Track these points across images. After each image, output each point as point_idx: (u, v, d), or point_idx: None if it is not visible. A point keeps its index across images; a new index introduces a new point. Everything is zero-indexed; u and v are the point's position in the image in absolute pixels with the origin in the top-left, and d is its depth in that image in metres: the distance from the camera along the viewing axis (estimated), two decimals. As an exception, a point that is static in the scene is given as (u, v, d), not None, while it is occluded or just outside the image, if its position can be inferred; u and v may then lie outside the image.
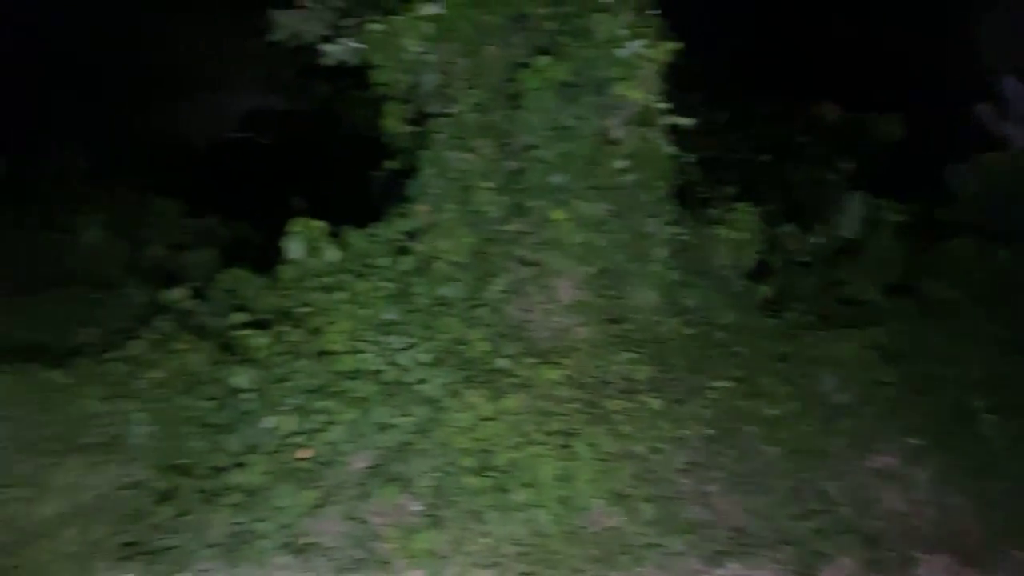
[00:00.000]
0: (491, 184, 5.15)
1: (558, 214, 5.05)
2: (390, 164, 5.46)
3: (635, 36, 4.91)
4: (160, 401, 4.58)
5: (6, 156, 8.77)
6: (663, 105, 5.13)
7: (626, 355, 5.00)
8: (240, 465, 4.24)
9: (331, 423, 4.43)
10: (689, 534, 4.21)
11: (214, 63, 11.07)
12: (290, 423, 4.39)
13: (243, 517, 4.05)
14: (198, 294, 5.57)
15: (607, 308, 5.20)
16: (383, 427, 4.49)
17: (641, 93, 4.95)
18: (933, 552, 4.30)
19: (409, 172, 5.49)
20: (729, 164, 8.36)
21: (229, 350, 4.83)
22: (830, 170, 8.27)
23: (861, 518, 4.40)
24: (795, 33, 10.69)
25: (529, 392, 4.69)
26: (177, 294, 5.53)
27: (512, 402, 4.59)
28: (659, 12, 5.17)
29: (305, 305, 5.06)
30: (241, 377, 4.56)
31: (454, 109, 5.17)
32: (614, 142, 5.14)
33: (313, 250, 5.30)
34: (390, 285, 5.13)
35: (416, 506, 4.30)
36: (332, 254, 5.31)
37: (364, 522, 4.17)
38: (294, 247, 5.26)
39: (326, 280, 5.18)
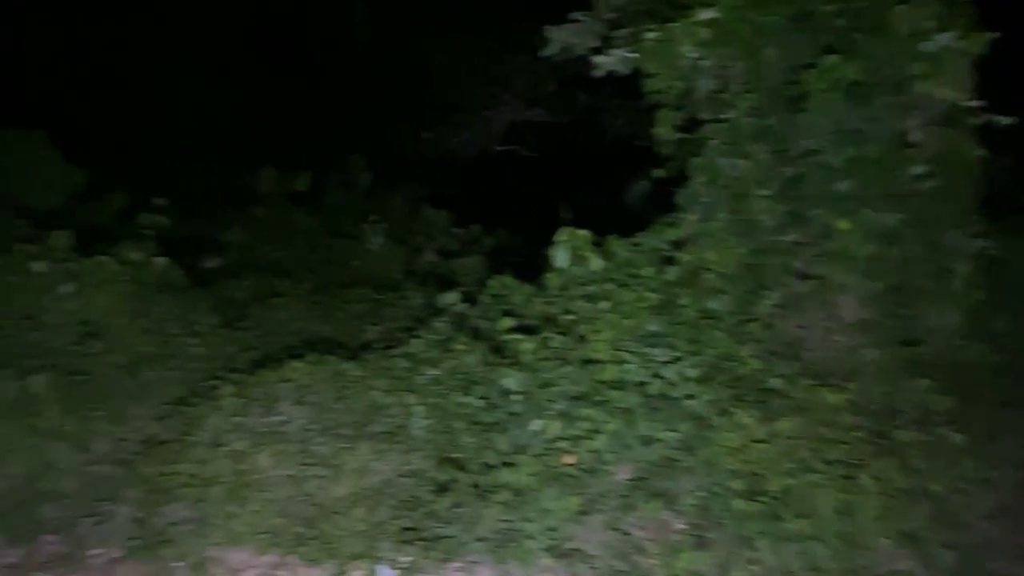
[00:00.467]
0: (766, 191, 4.87)
1: (843, 224, 4.65)
2: (658, 172, 5.37)
3: (944, 28, 4.39)
4: (437, 396, 4.86)
5: (311, 173, 9.89)
6: (975, 103, 4.54)
7: (921, 382, 4.48)
8: (509, 464, 4.36)
9: (595, 431, 4.42)
10: (998, 590, 3.67)
11: (483, 81, 11.74)
12: (555, 427, 4.45)
13: (511, 515, 4.15)
14: (469, 298, 5.87)
15: (898, 329, 4.70)
16: (647, 440, 4.40)
17: (949, 90, 4.41)
18: None
19: (676, 180, 5.38)
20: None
21: (499, 352, 5.02)
22: None
23: None
24: None
25: (806, 416, 4.36)
26: (450, 298, 5.87)
27: (786, 425, 4.29)
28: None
29: (570, 313, 5.13)
30: (510, 379, 4.71)
31: (729, 114, 4.97)
32: (912, 145, 4.63)
33: (578, 259, 5.36)
34: (654, 296, 5.04)
35: (680, 524, 4.18)
36: (596, 263, 5.33)
37: (627, 534, 4.12)
38: (560, 255, 5.35)
39: (590, 289, 5.21)
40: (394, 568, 4.06)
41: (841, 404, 4.41)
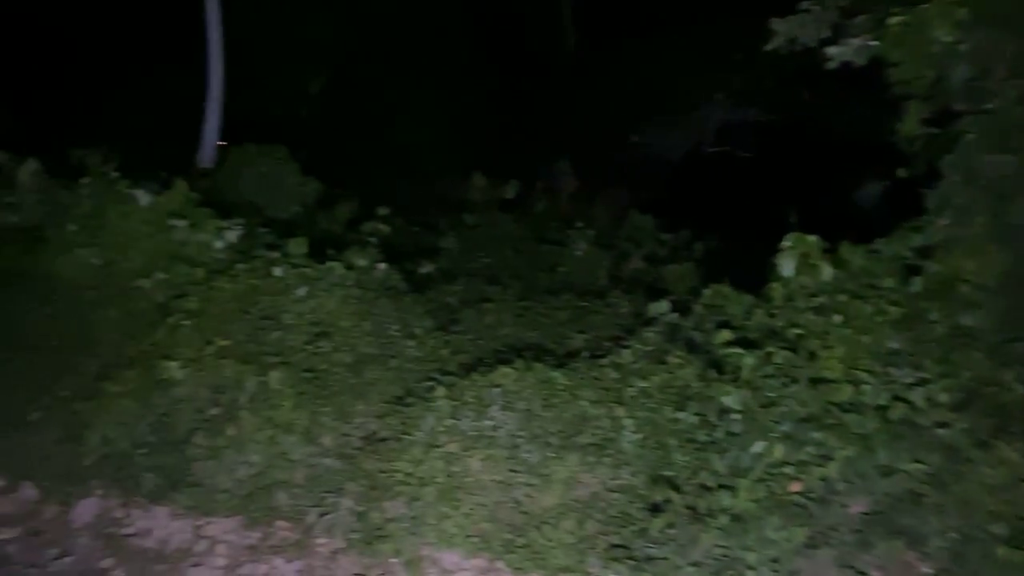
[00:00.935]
0: (1036, 192, 4.21)
1: None
2: (899, 172, 4.82)
3: None
4: (648, 411, 4.67)
5: (518, 180, 10.06)
6: None
7: None
8: (727, 487, 4.09)
9: (826, 457, 4.03)
10: None
11: (694, 80, 11.36)
12: (779, 451, 4.10)
13: (729, 542, 3.90)
14: (680, 308, 5.61)
15: None
16: (887, 471, 3.95)
17: None
18: None
19: (919, 180, 4.81)
20: None
21: (716, 367, 4.73)
22: None
23: None
24: None
25: (1088, 454, 3.70)
26: (661, 307, 5.64)
27: (1063, 464, 3.66)
28: None
29: (796, 326, 4.73)
30: (730, 396, 4.41)
31: (991, 104, 4.36)
32: None
33: (806, 267, 4.94)
34: (896, 309, 4.53)
35: (927, 568, 3.73)
36: (827, 272, 4.88)
37: (863, 573, 3.73)
38: (786, 263, 4.96)
39: (821, 300, 4.77)
40: (604, 585, 3.93)
41: None
